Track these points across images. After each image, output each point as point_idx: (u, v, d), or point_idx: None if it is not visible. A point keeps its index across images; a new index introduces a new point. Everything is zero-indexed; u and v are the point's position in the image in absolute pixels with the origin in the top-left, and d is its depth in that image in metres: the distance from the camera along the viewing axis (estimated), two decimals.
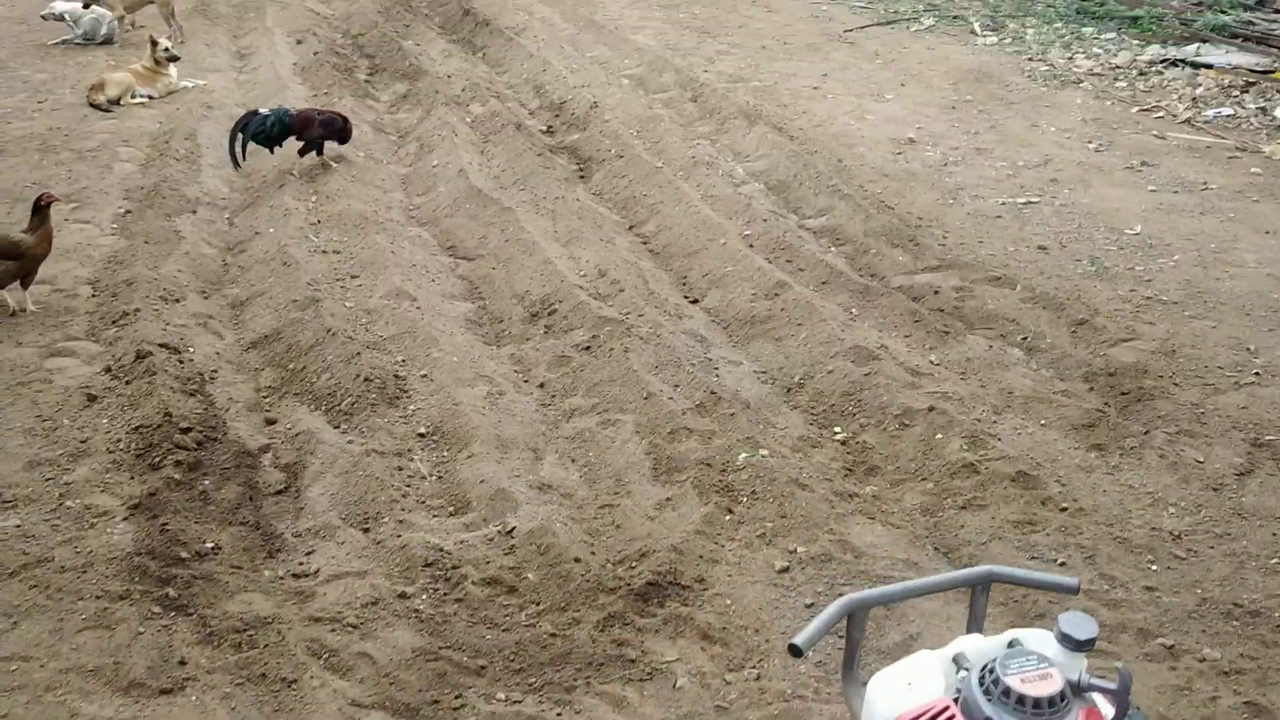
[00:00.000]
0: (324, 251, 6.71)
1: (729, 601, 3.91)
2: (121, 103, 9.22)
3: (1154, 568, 4.13)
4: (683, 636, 3.75)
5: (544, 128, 9.30)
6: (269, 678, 3.48)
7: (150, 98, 9.43)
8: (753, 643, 3.72)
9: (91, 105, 9.15)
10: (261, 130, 7.53)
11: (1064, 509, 4.45)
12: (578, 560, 4.04)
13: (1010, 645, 2.36)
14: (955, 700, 2.20)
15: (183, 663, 3.51)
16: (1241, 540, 4.30)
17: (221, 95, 9.64)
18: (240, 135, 7.55)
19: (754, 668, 3.62)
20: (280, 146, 7.69)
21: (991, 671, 2.17)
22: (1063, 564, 4.14)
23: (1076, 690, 2.20)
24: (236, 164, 7.63)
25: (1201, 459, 4.79)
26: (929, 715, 2.20)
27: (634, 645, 3.69)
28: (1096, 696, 2.23)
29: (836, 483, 4.69)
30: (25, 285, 5.83)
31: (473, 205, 7.42)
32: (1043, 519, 4.39)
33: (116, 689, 3.40)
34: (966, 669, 2.27)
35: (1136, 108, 9.80)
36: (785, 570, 4.08)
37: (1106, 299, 6.37)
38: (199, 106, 9.25)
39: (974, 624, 2.74)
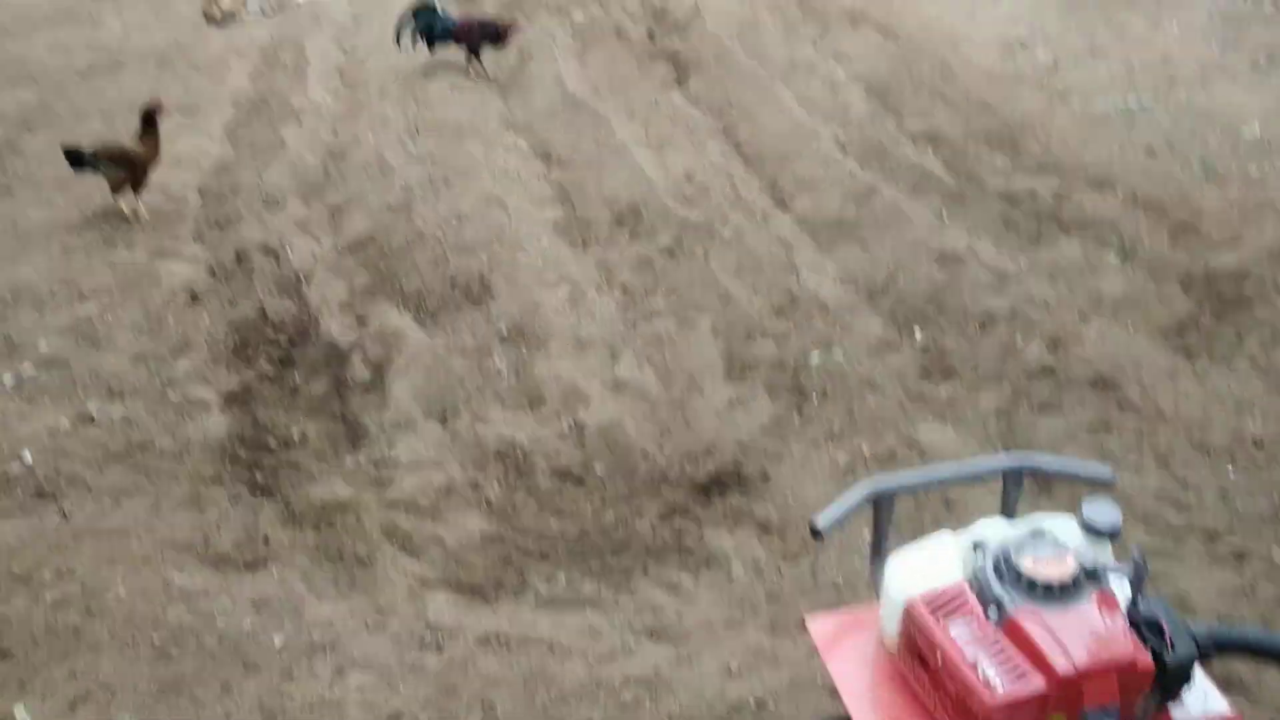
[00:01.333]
0: (419, 159, 6.84)
1: (789, 497, 3.97)
2: (236, 17, 9.45)
3: (1230, 472, 4.04)
4: (741, 528, 3.83)
5: (645, 33, 9.24)
6: (345, 556, 3.69)
7: (263, 12, 9.63)
8: (809, 537, 3.77)
9: (206, 19, 9.40)
10: (430, 26, 7.91)
11: (1142, 413, 4.37)
12: (645, 455, 4.14)
13: (1033, 532, 2.37)
14: (970, 584, 2.23)
15: (266, 541, 3.74)
16: None
17: (330, 8, 9.81)
18: (413, 23, 7.91)
19: (808, 559, 3.68)
20: (435, 44, 8.04)
21: (1006, 555, 2.19)
22: (1135, 468, 4.08)
23: (1091, 575, 2.21)
24: (399, 44, 8.02)
25: None
26: (943, 597, 2.23)
27: (692, 535, 3.79)
28: (1113, 582, 2.23)
29: (910, 385, 4.67)
30: (137, 191, 6.09)
31: (568, 112, 7.45)
32: (1118, 423, 4.32)
33: (205, 562, 3.64)
34: (984, 553, 2.30)
35: (1270, 3, 9.26)
36: (848, 469, 4.11)
37: (1214, 202, 6.11)
38: (308, 19, 9.42)
39: (1005, 513, 2.75)
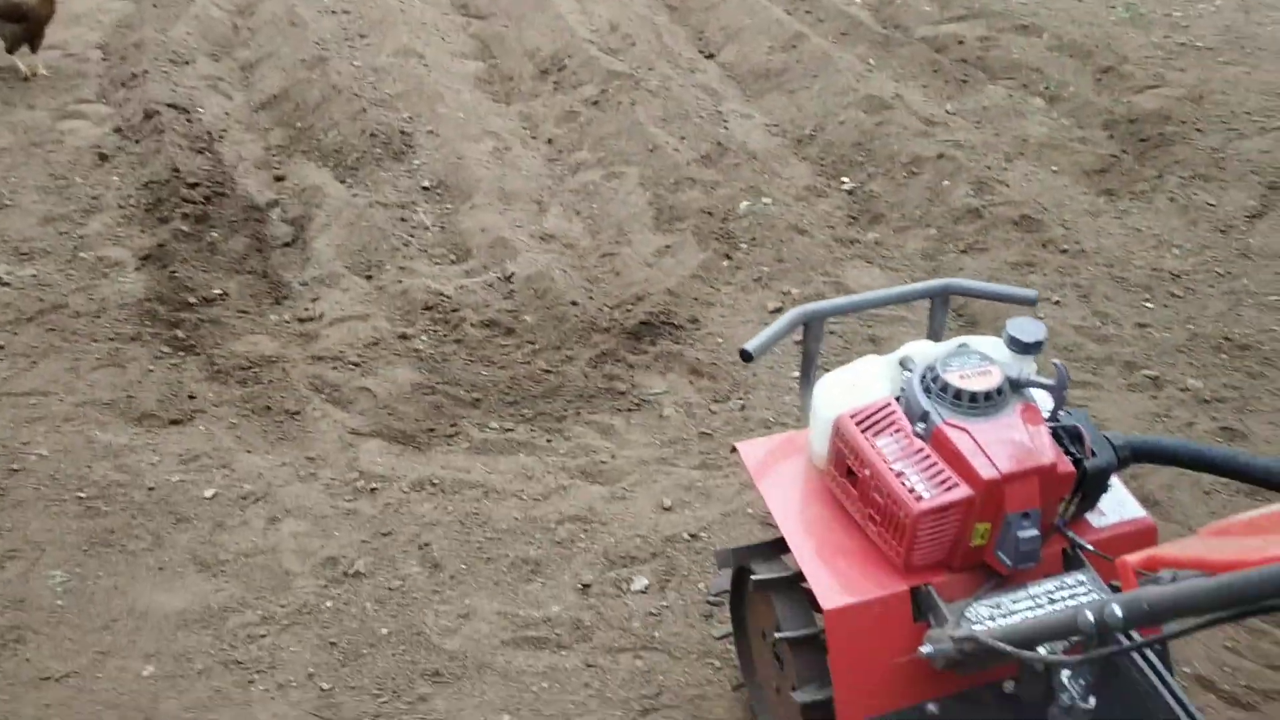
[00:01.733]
0: (333, 11, 6.59)
1: (720, 340, 3.98)
2: None
3: (1149, 305, 4.12)
4: (672, 371, 3.84)
5: None
6: (273, 410, 3.63)
7: None
8: (739, 376, 3.80)
9: None
10: None
11: (1065, 251, 4.43)
12: (574, 304, 4.11)
13: (959, 349, 2.40)
14: (898, 400, 2.26)
15: (191, 397, 3.67)
16: (1242, 279, 4.26)
17: None
18: None
19: (739, 399, 3.71)
20: None
21: (933, 370, 2.22)
22: (1057, 302, 4.14)
23: (1015, 386, 2.24)
24: None
25: (1214, 202, 4.70)
26: (871, 413, 2.26)
27: (624, 380, 3.79)
28: (1036, 393, 2.28)
29: (839, 230, 4.67)
30: (34, 49, 5.81)
31: None
32: (1042, 260, 4.37)
33: (130, 419, 3.57)
34: (910, 370, 2.32)
35: None
36: (778, 310, 4.12)
37: (1138, 46, 6.14)
38: None
39: (932, 338, 2.78)
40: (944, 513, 2.11)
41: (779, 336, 2.55)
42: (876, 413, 2.25)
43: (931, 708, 2.25)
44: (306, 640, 2.84)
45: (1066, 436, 2.26)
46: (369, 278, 4.34)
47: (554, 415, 3.67)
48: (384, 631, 2.87)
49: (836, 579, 2.21)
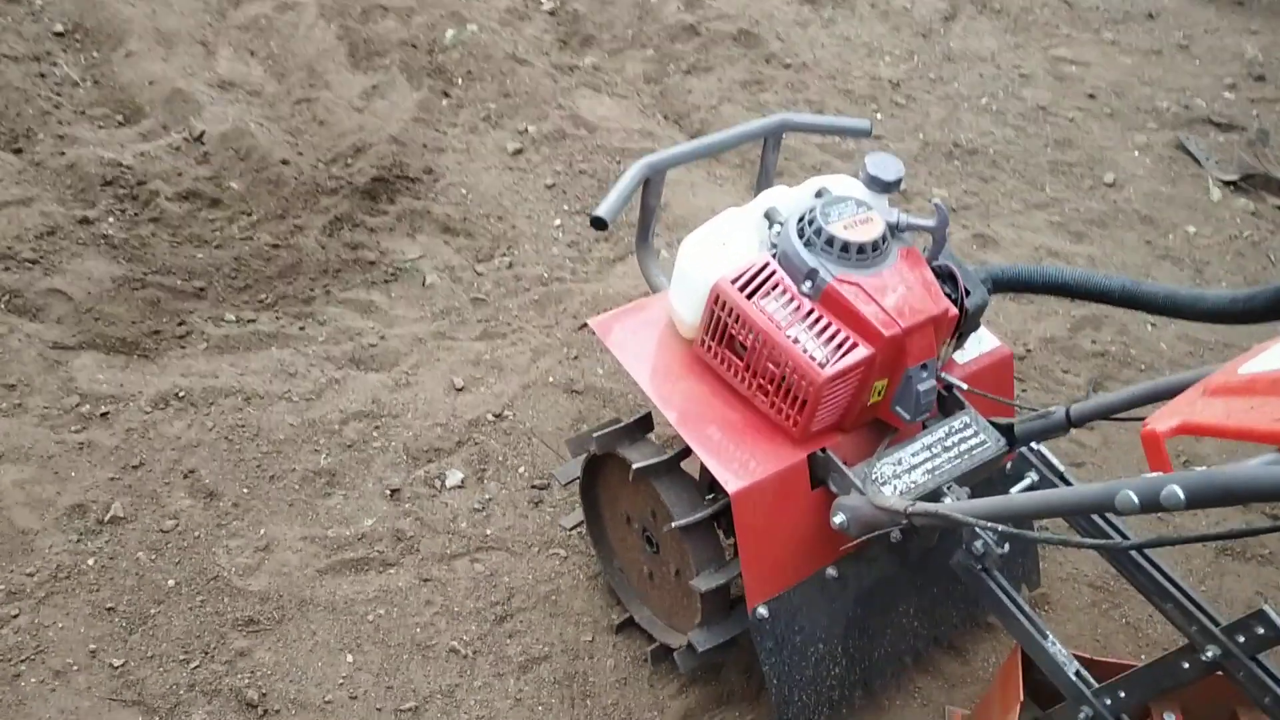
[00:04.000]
0: None
1: (465, 191, 3.61)
2: None
3: (879, 116, 4.15)
4: (422, 232, 3.44)
5: None
6: None
7: None
8: (498, 230, 3.48)
9: None
10: None
11: (788, 65, 4.35)
12: (285, 163, 3.56)
13: (819, 195, 2.24)
14: (776, 257, 2.08)
15: None
16: (952, 83, 4.37)
17: None
18: None
19: (504, 255, 3.40)
20: None
21: (812, 221, 2.04)
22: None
23: (894, 231, 2.12)
24: None
25: (908, 5, 4.77)
26: (750, 274, 2.06)
27: (370, 247, 3.36)
28: (912, 235, 2.17)
29: (554, 56, 4.34)
30: None
31: None
32: (769, 77, 4.28)
33: None
34: (780, 223, 2.14)
35: None
36: (519, 152, 3.79)
37: None
38: None
39: (764, 179, 2.61)
40: (846, 376, 1.98)
41: (628, 194, 2.28)
42: (757, 274, 2.05)
43: (830, 571, 2.17)
44: (75, 611, 2.35)
45: (943, 278, 2.18)
46: (18, 151, 3.55)
47: (298, 297, 3.20)
48: (170, 583, 2.42)
49: (732, 458, 2.04)
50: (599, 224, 2.18)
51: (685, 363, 2.19)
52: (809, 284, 2.00)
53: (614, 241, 3.46)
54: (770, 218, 2.14)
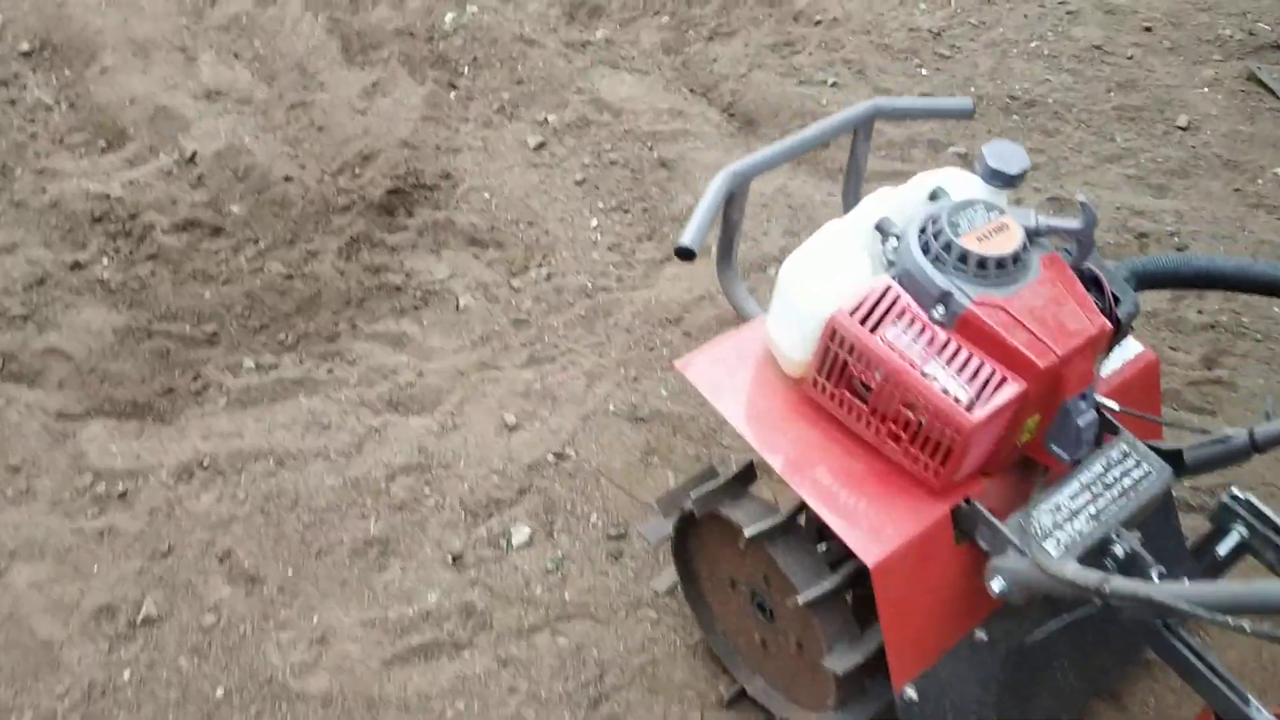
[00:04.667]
0: None
1: (488, 195, 3.28)
2: None
3: (924, 72, 3.82)
4: (447, 247, 3.12)
5: None
6: None
7: None
8: (530, 238, 3.16)
9: None
10: None
11: (818, 21, 4.01)
12: (289, 179, 3.23)
13: (933, 196, 1.93)
14: (899, 279, 1.77)
15: None
16: (996, 28, 4.03)
17: None
18: None
19: (540, 266, 3.08)
20: None
21: (938, 234, 1.73)
22: (834, 83, 3.74)
23: (1033, 237, 1.82)
24: None
25: None
26: (871, 302, 1.76)
27: (394, 269, 3.04)
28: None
29: (563, 32, 3.99)
30: None
31: None
32: (799, 37, 3.94)
33: None
34: (896, 236, 1.83)
35: None
36: (541, 145, 3.45)
37: None
38: None
39: (855, 178, 2.29)
40: (996, 419, 1.69)
41: (713, 212, 1.97)
42: (878, 301, 1.74)
43: (980, 634, 1.89)
44: None
45: (1085, 283, 1.88)
46: None
47: (322, 334, 2.89)
48: (219, 693, 2.13)
49: (866, 520, 1.74)
50: (686, 255, 1.87)
51: (792, 404, 1.89)
52: (942, 309, 1.70)
53: (658, 239, 3.15)
54: (883, 230, 1.83)
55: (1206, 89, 3.72)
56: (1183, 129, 3.55)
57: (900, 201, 1.89)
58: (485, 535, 2.42)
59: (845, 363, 1.75)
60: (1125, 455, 1.86)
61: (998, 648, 1.91)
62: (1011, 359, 1.66)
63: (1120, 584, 1.52)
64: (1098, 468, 1.84)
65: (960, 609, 1.85)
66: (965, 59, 3.86)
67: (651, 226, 3.18)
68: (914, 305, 1.72)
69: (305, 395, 2.71)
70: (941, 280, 1.69)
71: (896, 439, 1.75)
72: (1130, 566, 1.83)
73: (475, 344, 2.86)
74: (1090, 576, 1.58)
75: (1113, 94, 3.70)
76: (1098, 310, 1.76)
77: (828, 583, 1.85)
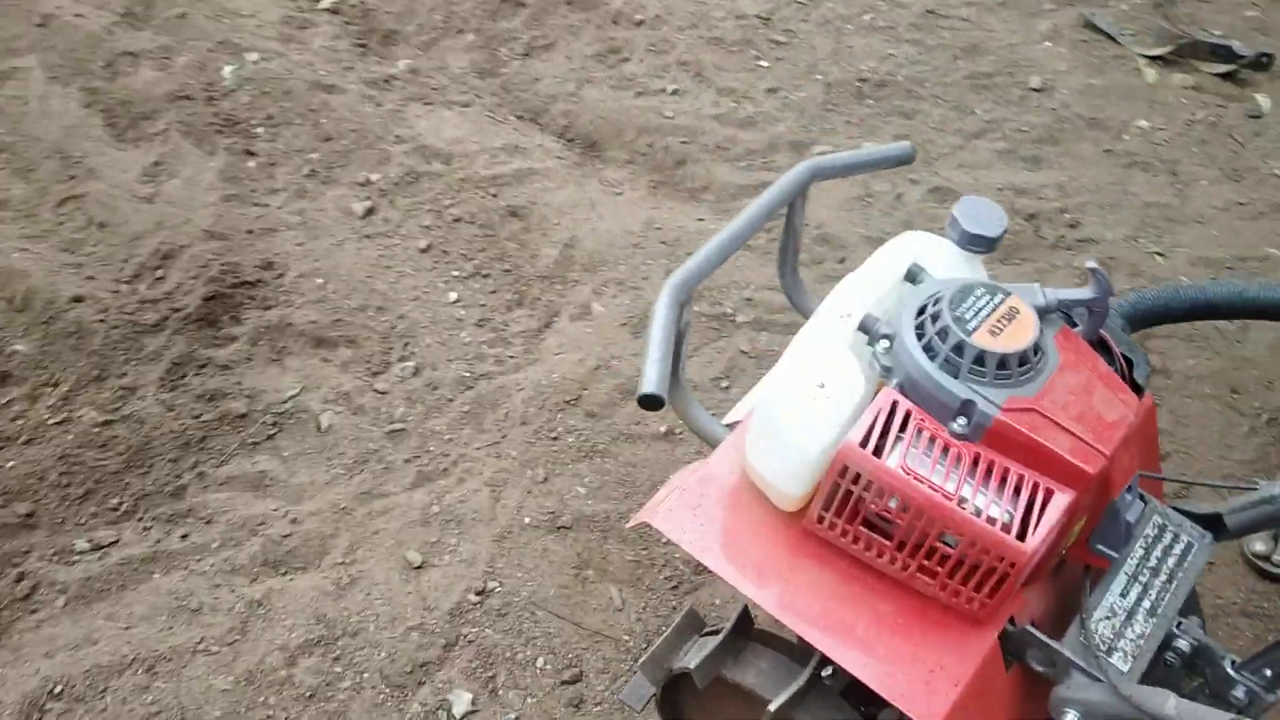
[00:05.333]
0: None
1: (321, 280, 2.85)
2: None
3: (764, 64, 3.56)
4: (290, 354, 2.69)
5: None
6: None
7: None
8: (383, 326, 2.75)
9: None
10: None
11: (639, 22, 3.69)
12: (79, 300, 2.72)
13: (911, 278, 1.66)
14: (903, 388, 1.50)
15: None
16: (824, 4, 3.81)
17: None
18: None
19: (403, 360, 2.68)
20: None
21: (943, 333, 1.46)
22: (675, 91, 3.44)
23: (1043, 315, 1.58)
24: None
25: None
26: (880, 427, 1.49)
27: (233, 393, 2.59)
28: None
29: (360, 69, 3.54)
30: None
31: None
32: (625, 41, 3.61)
33: None
34: (887, 336, 1.55)
35: None
36: (370, 212, 3.03)
37: None
38: None
39: (792, 246, 2.00)
40: (1049, 538, 1.45)
41: (669, 341, 1.64)
42: (888, 422, 1.47)
43: None
44: None
45: (1097, 350, 1.66)
46: None
47: (164, 491, 2.42)
48: None
49: (908, 673, 1.48)
50: (654, 404, 1.55)
51: (793, 544, 1.59)
52: (963, 421, 1.43)
53: (529, 304, 2.80)
54: (869, 331, 1.55)
55: (1049, 43, 3.61)
56: (1038, 90, 3.42)
57: (874, 289, 1.61)
58: (420, 712, 2.05)
59: (860, 499, 1.48)
60: (1162, 530, 1.67)
61: None
62: (1054, 467, 1.41)
63: None
64: (1139, 552, 1.63)
65: None
66: (802, 42, 3.62)
67: (519, 291, 2.82)
68: (927, 419, 1.46)
69: (161, 573, 2.26)
70: (959, 389, 1.42)
71: (931, 574, 1.49)
72: (1197, 659, 1.65)
73: (350, 470, 2.45)
74: (1200, 714, 1.36)
75: (960, 61, 3.54)
76: (1128, 388, 1.54)
77: None
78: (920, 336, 1.47)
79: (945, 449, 1.43)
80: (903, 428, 1.44)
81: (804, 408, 1.50)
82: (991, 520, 1.39)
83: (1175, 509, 1.73)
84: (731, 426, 1.78)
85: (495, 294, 2.81)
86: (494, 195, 3.05)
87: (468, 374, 2.63)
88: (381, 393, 2.61)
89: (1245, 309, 1.81)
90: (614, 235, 2.93)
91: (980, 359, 1.42)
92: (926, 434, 1.44)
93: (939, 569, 1.46)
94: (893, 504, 1.43)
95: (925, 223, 2.97)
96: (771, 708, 1.58)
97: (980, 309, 1.47)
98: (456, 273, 2.86)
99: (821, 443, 1.48)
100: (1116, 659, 1.52)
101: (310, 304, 2.78)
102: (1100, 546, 1.56)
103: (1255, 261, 2.89)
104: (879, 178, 3.10)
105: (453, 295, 2.81)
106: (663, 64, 3.51)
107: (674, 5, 3.75)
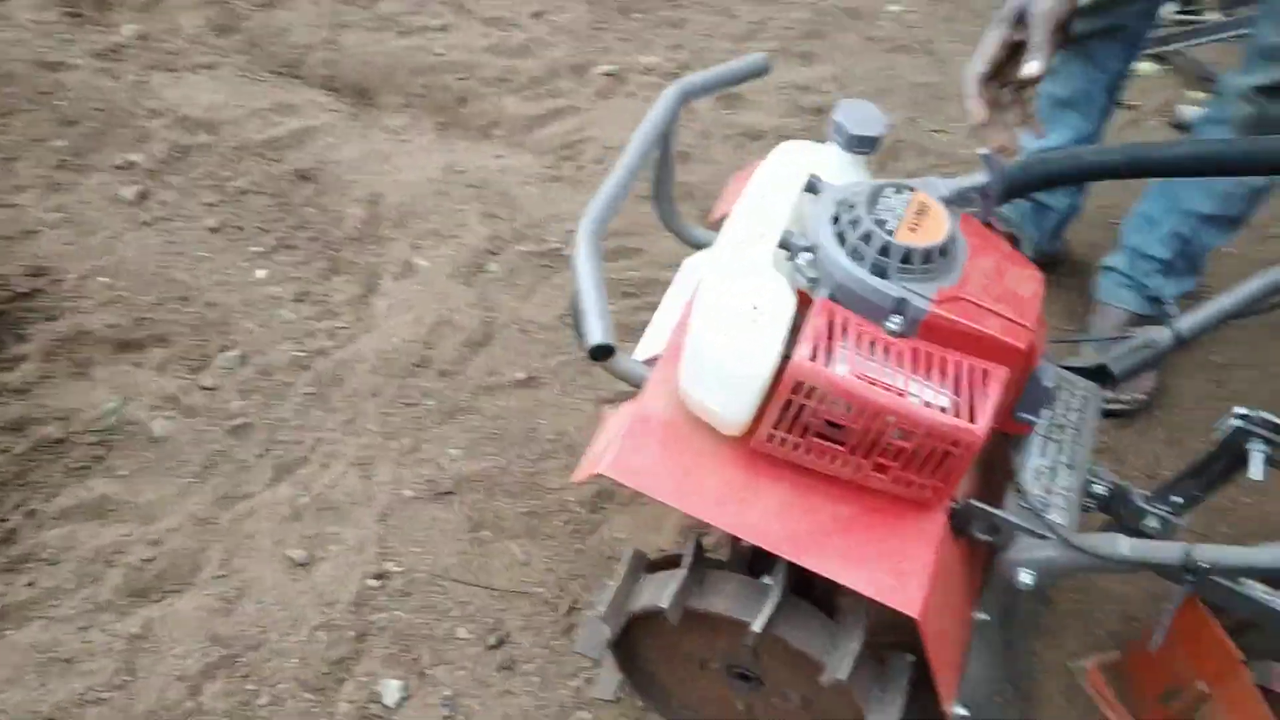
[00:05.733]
0: None
1: (108, 280, 2.55)
2: None
3: None
4: (95, 364, 2.40)
5: None
6: None
7: None
8: (193, 318, 2.51)
9: None
10: None
11: None
12: None
13: (811, 189, 1.67)
14: (833, 296, 1.52)
15: None
16: None
17: None
18: None
19: (225, 350, 2.46)
20: None
21: (867, 236, 1.49)
22: (443, 26, 3.29)
23: (947, 205, 1.63)
24: None
25: None
26: (822, 336, 1.50)
27: (41, 418, 2.29)
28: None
29: (82, 38, 3.18)
30: None
31: None
32: None
33: None
34: (808, 249, 1.56)
35: None
36: (144, 196, 2.75)
37: None
38: None
39: (667, 172, 1.97)
40: (994, 416, 1.52)
41: (600, 286, 1.57)
42: (827, 332, 1.49)
43: (981, 616, 1.79)
44: None
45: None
46: None
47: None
48: None
49: (881, 568, 1.54)
50: (606, 352, 1.50)
51: (743, 466, 1.61)
52: (898, 320, 1.49)
53: (346, 270, 2.65)
54: (789, 245, 1.56)
55: None
56: None
57: (777, 204, 1.62)
58: (351, 710, 1.95)
59: (812, 410, 1.51)
60: (1059, 388, 1.80)
61: (993, 620, 1.82)
62: (988, 349, 1.49)
63: (1210, 554, 1.44)
64: (1046, 412, 1.76)
65: (965, 602, 1.73)
66: None
67: (331, 257, 2.66)
68: (862, 322, 1.50)
69: (14, 628, 2.02)
70: (891, 289, 1.47)
71: (883, 469, 1.55)
72: (1114, 500, 1.79)
73: (200, 476, 2.26)
74: (1167, 552, 1.49)
75: None
76: (1029, 260, 1.64)
77: (854, 646, 1.64)
78: (842, 243, 1.50)
79: (886, 348, 1.48)
80: (843, 335, 1.48)
81: (744, 333, 1.51)
82: (944, 409, 1.45)
83: (1063, 366, 1.86)
84: (650, 363, 1.77)
85: (306, 264, 2.64)
86: (276, 160, 2.84)
87: (300, 353, 2.48)
88: (210, 389, 2.41)
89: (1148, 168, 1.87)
90: (416, 185, 2.80)
91: (907, 257, 1.47)
92: (867, 337, 1.48)
93: (893, 463, 1.52)
94: (845, 410, 1.47)
95: (723, 129, 3.00)
96: (756, 628, 1.60)
97: (895, 209, 1.51)
98: (257, 248, 2.67)
99: (769, 364, 1.49)
100: (1054, 515, 1.64)
101: (102, 306, 2.52)
102: (1023, 414, 1.65)
103: None
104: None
105: (260, 273, 2.62)
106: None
107: None
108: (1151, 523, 1.75)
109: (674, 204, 1.96)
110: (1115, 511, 1.80)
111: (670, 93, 1.82)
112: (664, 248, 2.71)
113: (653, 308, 2.58)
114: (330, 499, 2.23)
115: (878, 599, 1.49)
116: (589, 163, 2.88)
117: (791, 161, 1.71)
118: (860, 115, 1.68)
